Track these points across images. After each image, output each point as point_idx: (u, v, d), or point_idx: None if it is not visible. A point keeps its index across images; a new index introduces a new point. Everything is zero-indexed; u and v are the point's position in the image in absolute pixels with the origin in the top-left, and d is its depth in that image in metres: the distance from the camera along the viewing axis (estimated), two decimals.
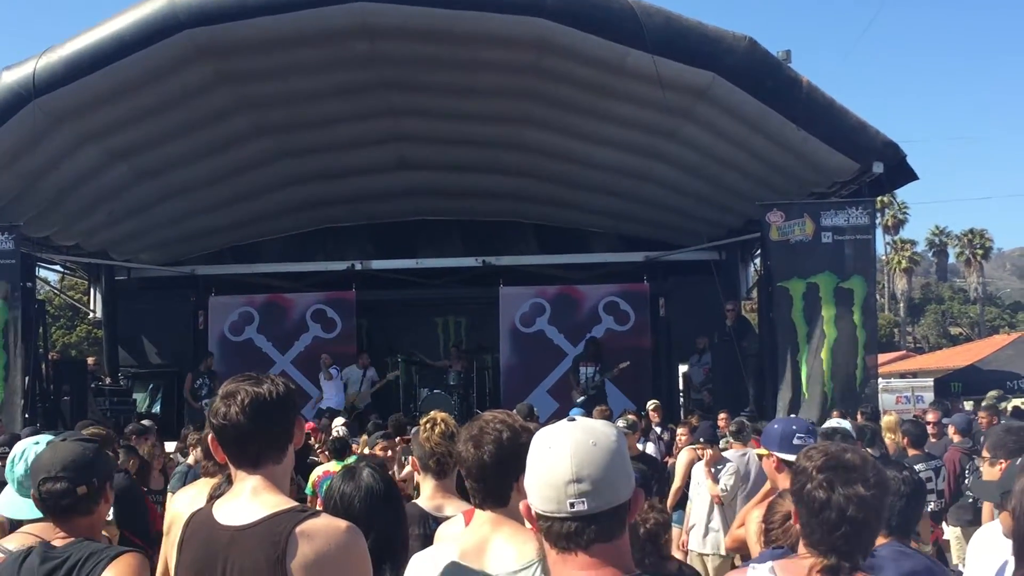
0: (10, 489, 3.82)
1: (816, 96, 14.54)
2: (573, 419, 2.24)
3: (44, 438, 3.86)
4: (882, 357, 18.20)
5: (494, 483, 3.10)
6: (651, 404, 14.54)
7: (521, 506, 2.25)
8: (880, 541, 3.78)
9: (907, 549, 3.79)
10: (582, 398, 16.69)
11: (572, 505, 2.11)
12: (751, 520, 4.80)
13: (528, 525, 2.26)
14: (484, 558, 3.09)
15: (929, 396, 23.09)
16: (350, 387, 18.73)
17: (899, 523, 3.85)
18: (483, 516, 3.18)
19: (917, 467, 8.19)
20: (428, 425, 4.29)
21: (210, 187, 18.34)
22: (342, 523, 2.84)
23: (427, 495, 4.21)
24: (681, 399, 19.66)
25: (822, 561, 2.82)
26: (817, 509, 2.83)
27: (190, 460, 9.83)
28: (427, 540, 3.57)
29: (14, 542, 3.53)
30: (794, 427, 4.95)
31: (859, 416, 12.89)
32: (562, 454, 2.13)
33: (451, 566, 3.08)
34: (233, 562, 2.74)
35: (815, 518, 2.84)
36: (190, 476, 9.38)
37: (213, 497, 3.66)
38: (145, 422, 12.97)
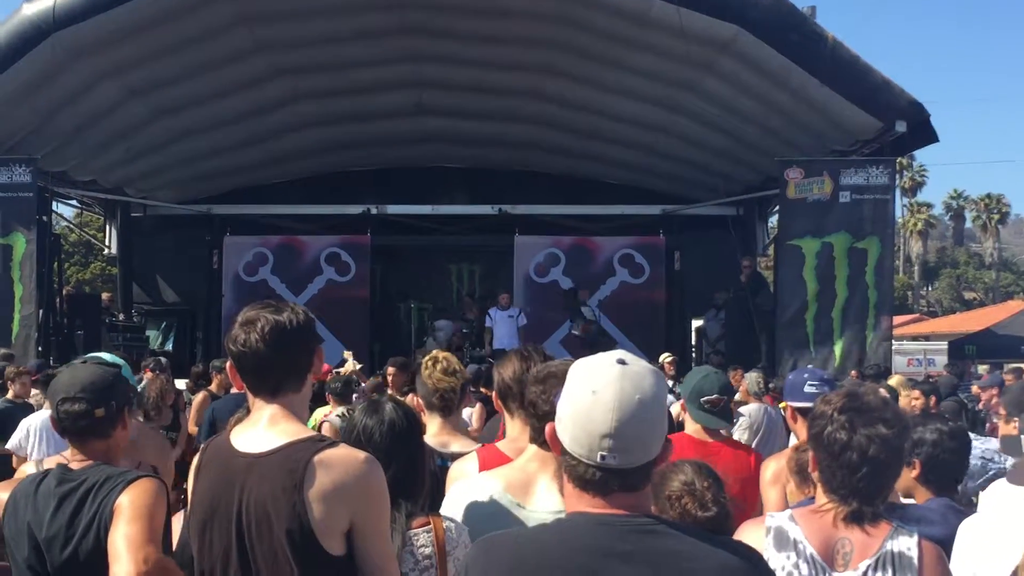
0: None
1: (841, 52, 14.37)
2: (623, 361, 2.13)
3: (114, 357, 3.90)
4: (895, 319, 18.16)
5: None
6: (665, 357, 14.31)
7: (547, 428, 2.20)
8: (926, 496, 3.76)
9: (957, 506, 3.71)
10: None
11: (602, 458, 2.06)
12: (766, 470, 4.79)
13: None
14: (529, 494, 3.08)
15: (941, 359, 23.08)
16: (440, 337, 18.70)
17: (946, 478, 3.78)
18: (532, 452, 3.16)
19: None
20: (430, 363, 4.36)
21: (228, 127, 18.29)
22: (360, 454, 2.82)
23: (433, 432, 4.24)
24: (693, 353, 19.65)
25: (844, 508, 2.78)
26: (838, 451, 2.78)
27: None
28: (434, 477, 3.58)
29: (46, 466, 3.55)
30: (806, 376, 4.91)
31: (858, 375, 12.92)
32: (604, 405, 2.06)
33: (496, 499, 3.08)
34: (250, 489, 2.74)
35: (835, 461, 2.79)
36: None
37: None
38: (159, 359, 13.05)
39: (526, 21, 15.35)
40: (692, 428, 4.90)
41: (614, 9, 14.34)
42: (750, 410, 9.62)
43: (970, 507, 4.18)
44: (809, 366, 5.58)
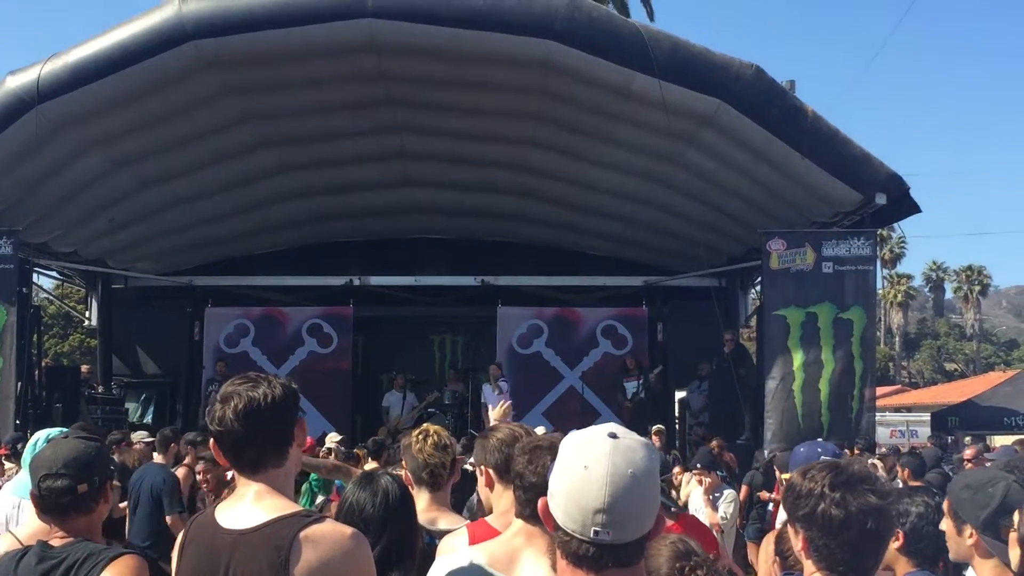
0: (25, 474, 3.76)
1: (821, 125, 14.53)
2: (615, 435, 2.12)
3: (65, 430, 3.80)
4: (877, 391, 18.18)
5: None
6: (654, 428, 14.38)
7: (540, 503, 2.18)
8: (907, 569, 3.70)
9: None
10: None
11: (596, 533, 2.05)
12: (761, 552, 4.70)
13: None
14: (514, 568, 3.03)
15: (924, 431, 23.07)
16: (392, 411, 18.84)
17: (930, 551, 3.72)
18: (518, 526, 3.12)
19: None
20: (420, 437, 4.25)
21: (211, 198, 18.28)
22: (347, 529, 2.78)
23: (421, 508, 4.14)
24: (677, 425, 19.59)
25: None
26: (836, 529, 2.71)
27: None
28: (422, 553, 3.52)
29: (4, 542, 3.47)
30: (819, 450, 4.81)
31: (855, 450, 12.89)
32: (597, 480, 2.04)
33: (480, 574, 3.02)
34: (236, 566, 2.69)
35: (835, 539, 2.71)
36: None
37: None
38: (139, 433, 12.88)
39: (509, 94, 15.47)
40: None
41: (596, 82, 14.46)
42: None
43: None
44: (819, 439, 5.46)
